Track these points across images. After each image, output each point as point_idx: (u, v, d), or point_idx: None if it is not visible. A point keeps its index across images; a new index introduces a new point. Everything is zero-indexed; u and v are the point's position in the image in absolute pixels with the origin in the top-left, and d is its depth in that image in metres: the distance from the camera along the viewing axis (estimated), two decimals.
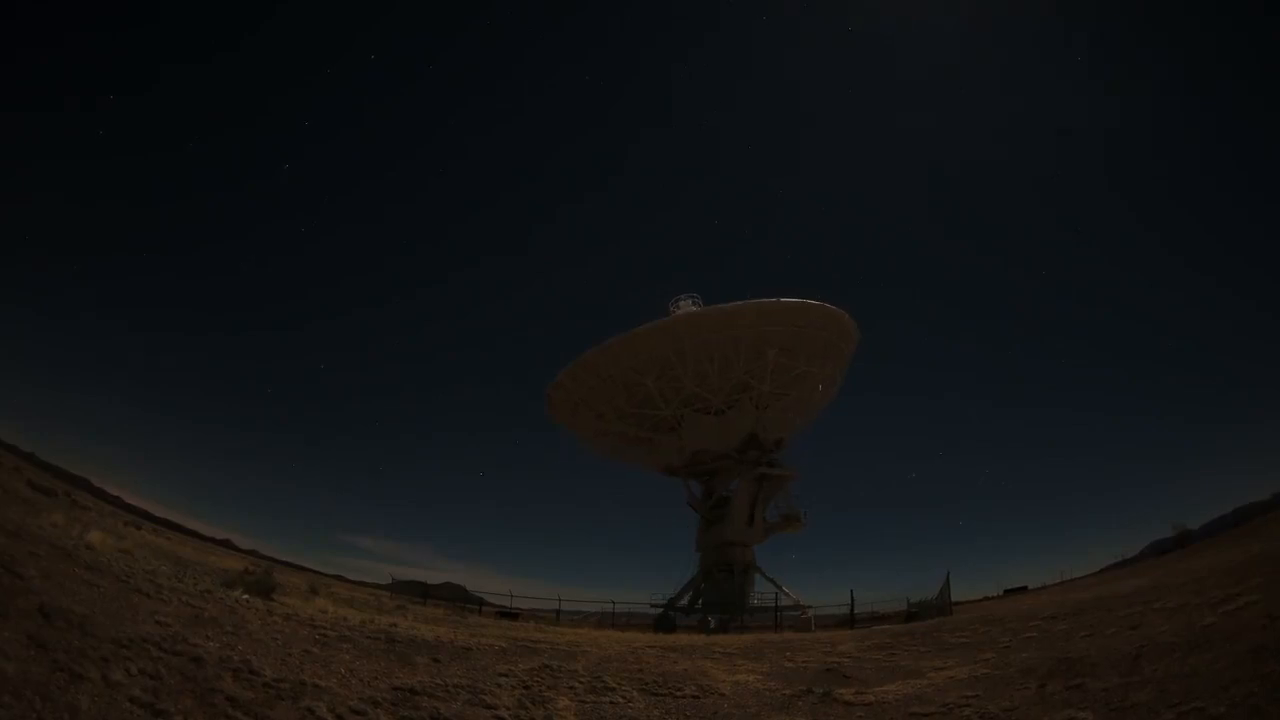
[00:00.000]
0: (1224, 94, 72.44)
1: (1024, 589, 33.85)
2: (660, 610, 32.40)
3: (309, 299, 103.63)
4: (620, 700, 7.30)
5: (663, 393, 33.90)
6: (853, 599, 28.27)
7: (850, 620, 27.17)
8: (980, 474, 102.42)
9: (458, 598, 35.85)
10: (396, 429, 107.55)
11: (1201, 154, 79.86)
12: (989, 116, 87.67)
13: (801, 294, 32.80)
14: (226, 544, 48.92)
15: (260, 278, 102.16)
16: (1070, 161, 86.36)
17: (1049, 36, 75.70)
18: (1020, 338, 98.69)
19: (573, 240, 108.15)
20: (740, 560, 33.13)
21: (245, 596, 10.94)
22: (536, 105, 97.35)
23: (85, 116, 78.13)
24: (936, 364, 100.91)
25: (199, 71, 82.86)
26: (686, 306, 33.63)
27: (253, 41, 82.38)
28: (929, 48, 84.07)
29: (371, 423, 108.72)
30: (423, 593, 34.19)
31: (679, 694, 7.84)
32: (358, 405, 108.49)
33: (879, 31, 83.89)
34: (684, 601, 33.89)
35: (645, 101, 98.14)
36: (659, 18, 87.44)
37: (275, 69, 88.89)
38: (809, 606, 31.29)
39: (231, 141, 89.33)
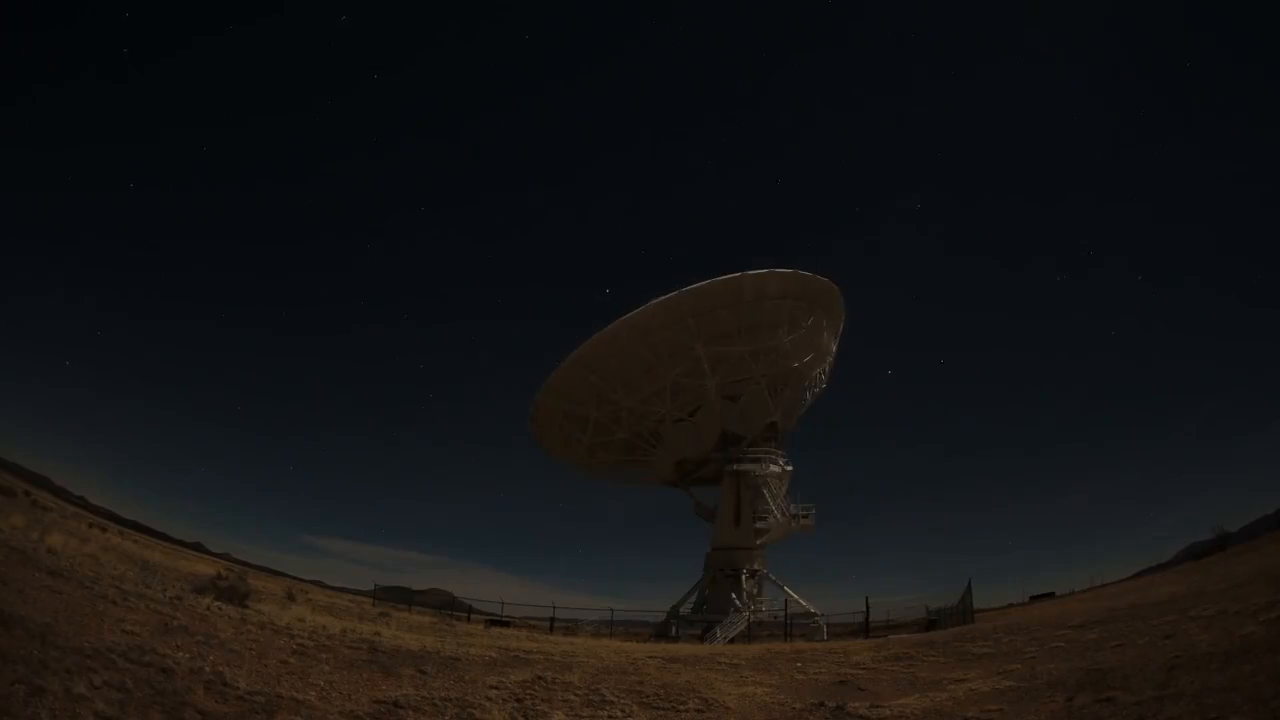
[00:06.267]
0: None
1: (1051, 595, 34.09)
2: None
3: (300, 296, 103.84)
4: (619, 715, 7.35)
5: (613, 418, 34.35)
6: (868, 606, 28.45)
7: (865, 629, 27.36)
8: (1005, 473, 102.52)
9: (444, 604, 36.13)
10: (381, 427, 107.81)
11: (1245, 149, 79.90)
12: (1002, 114, 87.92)
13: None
14: (198, 548, 49.26)
15: (242, 274, 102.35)
16: (1104, 154, 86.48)
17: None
18: (1049, 334, 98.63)
19: (565, 237, 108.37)
20: (731, 565, 33.22)
21: (218, 604, 11.00)
22: (538, 105, 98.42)
23: (64, 102, 78.54)
24: (960, 360, 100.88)
25: (194, 58, 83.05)
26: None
27: (250, 33, 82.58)
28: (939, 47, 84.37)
29: (354, 420, 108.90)
30: (407, 599, 34.43)
31: (681, 708, 7.88)
32: (339, 403, 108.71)
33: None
34: (686, 608, 34.08)
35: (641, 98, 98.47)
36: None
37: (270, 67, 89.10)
38: (816, 614, 31.47)
39: (216, 134, 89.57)
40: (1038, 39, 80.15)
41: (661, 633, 30.68)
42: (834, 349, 36.70)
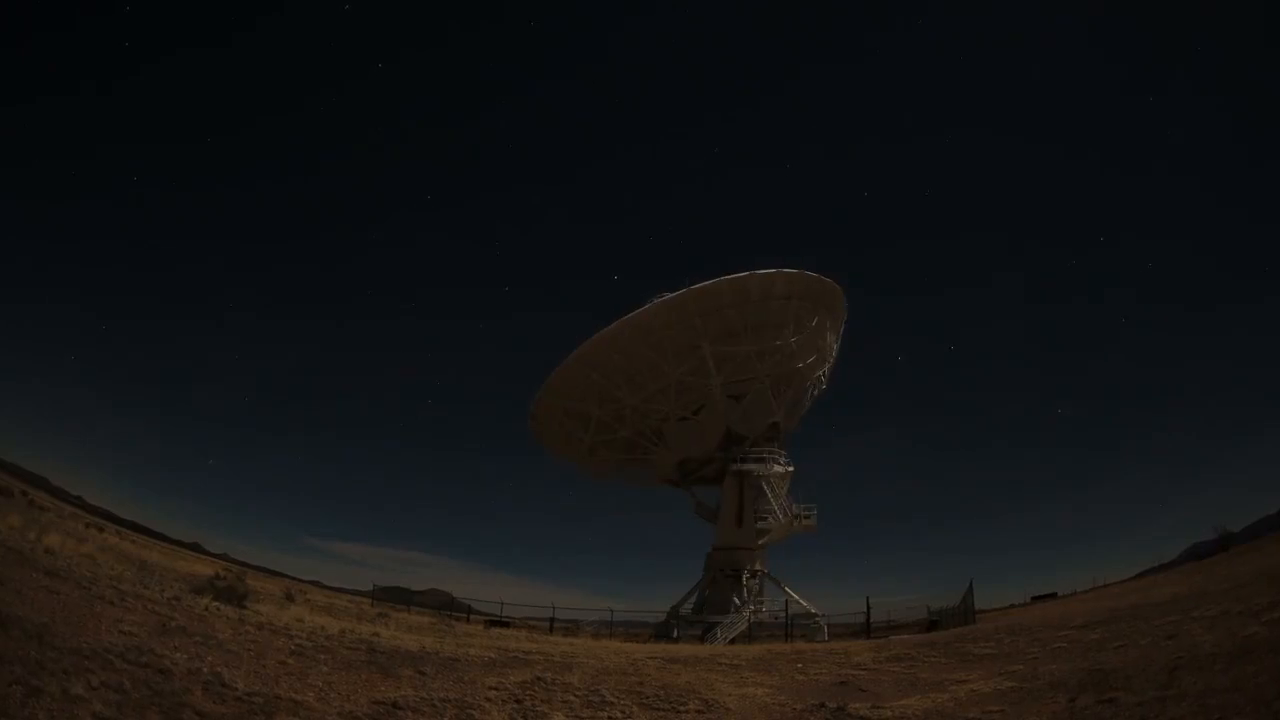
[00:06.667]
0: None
1: (1053, 596, 34.06)
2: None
3: (300, 296, 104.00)
4: (619, 716, 7.36)
5: (615, 416, 34.44)
6: (869, 607, 28.47)
7: (866, 630, 27.38)
8: (1006, 473, 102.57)
9: (444, 604, 36.18)
10: (380, 427, 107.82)
11: (1246, 148, 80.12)
12: (1003, 113, 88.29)
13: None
14: (195, 548, 49.27)
15: (243, 274, 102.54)
16: (1104, 154, 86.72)
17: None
18: (1049, 335, 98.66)
19: (565, 236, 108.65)
20: (732, 565, 33.24)
21: (216, 604, 11.01)
22: (538, 105, 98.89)
23: (64, 101, 78.93)
24: (962, 358, 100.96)
25: (187, 64, 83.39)
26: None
27: (250, 32, 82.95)
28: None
29: (354, 420, 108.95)
30: (406, 599, 34.48)
31: (681, 709, 7.89)
32: (339, 403, 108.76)
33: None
34: (687, 608, 34.11)
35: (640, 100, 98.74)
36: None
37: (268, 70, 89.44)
38: (817, 614, 31.49)
39: (216, 133, 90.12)
40: (1044, 33, 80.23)
41: (662, 633, 30.69)
42: (836, 349, 36.78)
